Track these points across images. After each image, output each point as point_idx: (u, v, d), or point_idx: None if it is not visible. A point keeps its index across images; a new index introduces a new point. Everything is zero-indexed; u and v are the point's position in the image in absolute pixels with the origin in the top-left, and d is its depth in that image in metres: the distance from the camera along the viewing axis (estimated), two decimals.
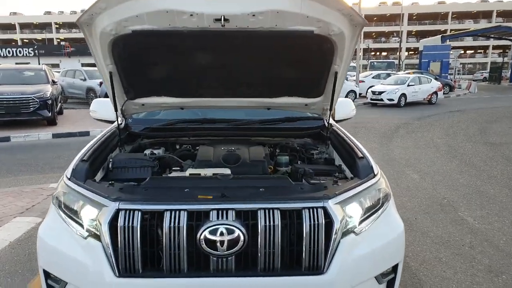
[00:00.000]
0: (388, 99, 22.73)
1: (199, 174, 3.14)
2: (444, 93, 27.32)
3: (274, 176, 3.07)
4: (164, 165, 3.67)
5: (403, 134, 13.32)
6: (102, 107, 4.50)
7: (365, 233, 2.61)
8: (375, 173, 2.96)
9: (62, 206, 2.72)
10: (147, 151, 3.89)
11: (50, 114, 14.18)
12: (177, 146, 4.13)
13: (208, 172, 3.15)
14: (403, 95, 22.97)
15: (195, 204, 2.47)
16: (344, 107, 4.71)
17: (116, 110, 3.71)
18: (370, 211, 2.72)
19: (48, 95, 14.00)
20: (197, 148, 4.03)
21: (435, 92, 25.55)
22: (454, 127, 14.83)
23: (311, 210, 2.46)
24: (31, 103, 13.50)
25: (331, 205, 2.53)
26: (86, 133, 12.81)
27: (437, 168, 8.32)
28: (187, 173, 3.17)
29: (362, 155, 3.17)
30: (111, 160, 3.44)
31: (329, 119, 3.98)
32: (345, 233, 2.53)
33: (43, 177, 7.56)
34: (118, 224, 2.39)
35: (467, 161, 9.18)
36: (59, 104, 16.28)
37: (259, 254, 2.39)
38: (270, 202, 2.49)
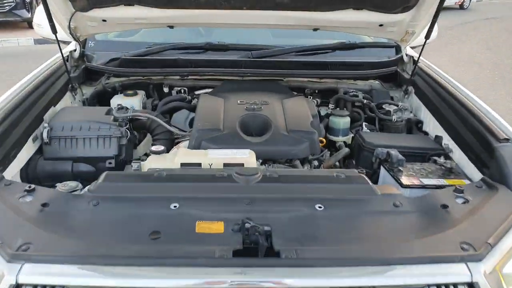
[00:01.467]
0: None
1: (199, 164, 1.69)
2: None
3: (338, 176, 1.61)
4: (141, 129, 2.22)
5: (436, 46, 11.30)
6: None
7: None
8: None
9: None
10: (115, 101, 2.38)
11: (29, 15, 11.96)
12: (164, 89, 2.60)
13: (213, 158, 1.71)
14: None
15: (187, 265, 1.14)
16: None
17: (53, 30, 2.12)
18: None
19: None
20: (195, 96, 2.50)
21: None
22: (495, 39, 12.78)
23: None
24: (5, 1, 11.32)
25: (484, 276, 1.17)
26: None
27: (485, 94, 6.69)
28: (176, 160, 1.71)
29: (506, 136, 1.68)
30: (46, 124, 1.96)
31: (421, 53, 2.36)
32: None
33: None
34: None
35: None
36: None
37: None
38: (353, 261, 1.18)
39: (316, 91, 2.59)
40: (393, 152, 1.86)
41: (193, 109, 2.46)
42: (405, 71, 2.60)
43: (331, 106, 2.34)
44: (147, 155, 2.26)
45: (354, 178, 1.61)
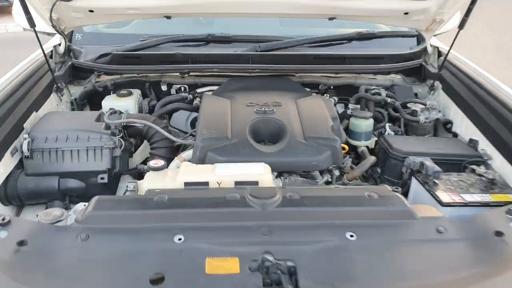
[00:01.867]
0: None
1: (206, 183, 1.45)
2: None
3: (371, 196, 1.37)
4: (137, 135, 1.97)
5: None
6: None
7: None
8: None
9: None
10: (107, 103, 2.12)
11: None
12: (162, 87, 2.33)
13: (222, 175, 1.47)
14: None
15: None
16: None
17: (31, 23, 1.84)
18: None
19: None
20: (197, 95, 2.24)
21: None
22: (498, 20, 12.43)
23: None
24: None
25: None
26: None
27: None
28: (178, 178, 1.46)
29: None
30: (26, 135, 1.70)
31: (452, 44, 2.09)
32: None
33: None
34: None
35: None
36: None
37: None
38: None
39: (332, 87, 2.33)
40: (428, 162, 1.61)
41: (195, 110, 2.20)
42: (430, 63, 2.33)
43: (351, 106, 2.08)
44: (144, 163, 2.01)
45: (389, 198, 1.37)
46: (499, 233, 1.24)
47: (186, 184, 1.45)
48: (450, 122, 2.09)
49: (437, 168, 1.59)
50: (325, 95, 2.23)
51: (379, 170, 1.87)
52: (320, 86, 2.31)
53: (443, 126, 2.13)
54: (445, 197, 1.50)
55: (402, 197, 1.37)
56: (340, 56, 2.27)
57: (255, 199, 1.29)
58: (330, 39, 2.40)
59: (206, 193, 1.39)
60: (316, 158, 1.64)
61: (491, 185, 1.61)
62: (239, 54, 2.23)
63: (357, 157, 2.02)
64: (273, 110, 1.86)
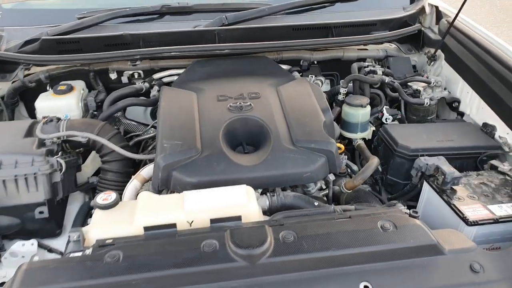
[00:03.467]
0: None
1: (173, 226, 1.11)
2: None
3: (385, 228, 1.07)
4: (83, 147, 1.59)
5: None
6: None
7: None
8: None
9: None
10: (42, 104, 1.69)
11: None
12: (111, 75, 1.89)
13: (194, 211, 1.13)
14: None
15: None
16: None
17: None
18: None
19: None
20: (155, 83, 1.84)
21: None
22: None
23: None
24: None
25: None
26: None
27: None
28: (136, 221, 1.11)
29: None
30: None
31: (462, 5, 1.73)
32: None
33: None
34: None
35: None
36: None
37: None
38: None
39: (315, 62, 1.96)
40: (445, 167, 1.32)
41: (153, 104, 1.80)
42: (429, 27, 1.98)
43: (343, 91, 1.73)
44: (97, 173, 1.64)
45: (408, 228, 1.08)
46: (474, 266, 1.00)
47: (146, 229, 1.10)
48: (457, 101, 1.79)
49: (456, 173, 1.30)
50: (310, 76, 1.86)
51: (380, 169, 1.58)
52: (301, 62, 1.94)
53: (448, 105, 1.83)
54: (469, 212, 1.23)
55: (424, 225, 1.09)
56: (325, 25, 1.87)
57: (240, 250, 0.97)
58: (310, 2, 1.99)
59: (175, 244, 1.06)
60: (309, 169, 1.31)
61: None
62: (202, 30, 1.80)
63: (352, 152, 1.72)
64: (250, 105, 1.49)
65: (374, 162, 1.44)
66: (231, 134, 1.42)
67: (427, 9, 2.00)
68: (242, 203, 1.16)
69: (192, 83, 1.66)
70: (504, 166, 1.42)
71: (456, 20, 1.86)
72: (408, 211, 1.17)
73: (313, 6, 2.01)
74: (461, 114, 1.80)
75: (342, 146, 1.52)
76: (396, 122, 1.75)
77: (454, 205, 1.26)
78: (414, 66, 1.98)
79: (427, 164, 1.38)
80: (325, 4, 2.03)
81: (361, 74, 1.79)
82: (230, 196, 1.17)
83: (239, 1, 1.98)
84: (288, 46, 1.79)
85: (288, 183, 1.34)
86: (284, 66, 1.93)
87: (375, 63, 1.91)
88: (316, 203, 1.32)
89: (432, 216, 1.39)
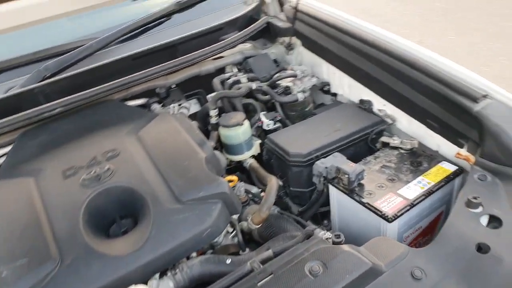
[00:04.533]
0: None
1: None
2: None
3: (314, 273, 0.91)
4: None
5: None
6: None
7: None
8: None
9: None
10: None
11: None
12: None
13: None
14: None
15: None
16: None
17: None
18: None
19: None
20: None
21: None
22: None
23: None
24: None
25: None
26: None
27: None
28: None
29: (483, 91, 1.19)
30: None
31: None
32: None
33: None
34: None
35: None
36: None
37: None
38: None
39: (173, 86, 1.71)
40: (345, 166, 1.21)
41: None
42: (276, 17, 1.88)
43: (213, 112, 1.51)
44: None
45: (338, 262, 0.92)
46: (482, 248, 0.94)
47: None
48: (327, 83, 1.72)
49: (358, 168, 1.20)
50: (172, 106, 1.61)
51: (281, 182, 1.42)
52: (156, 91, 1.67)
53: (321, 90, 1.76)
54: (385, 206, 1.14)
55: (352, 249, 0.95)
56: (168, 45, 1.63)
57: None
58: (144, 22, 1.72)
59: None
60: (207, 224, 1.07)
61: (415, 158, 1.31)
62: (18, 93, 1.40)
63: (248, 175, 1.53)
64: (109, 169, 1.18)
65: (273, 185, 1.26)
66: (96, 215, 1.11)
67: None
68: None
69: (24, 164, 1.27)
70: (394, 140, 1.37)
71: (300, 4, 1.78)
72: (329, 235, 1.02)
73: (148, 26, 1.75)
74: (335, 95, 1.75)
75: (235, 178, 1.32)
76: (278, 124, 1.61)
77: (368, 204, 1.16)
78: (275, 60, 1.87)
79: (326, 168, 1.25)
80: (162, 20, 1.78)
81: (226, 88, 1.60)
82: None
83: (58, 43, 1.61)
84: (133, 81, 1.50)
85: (189, 252, 1.09)
86: (139, 101, 1.64)
87: (236, 69, 1.74)
88: (228, 260, 1.10)
89: (349, 219, 1.28)
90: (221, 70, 1.78)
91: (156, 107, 1.63)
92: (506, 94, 1.18)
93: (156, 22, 1.77)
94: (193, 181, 1.14)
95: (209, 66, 1.74)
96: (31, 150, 1.33)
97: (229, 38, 1.69)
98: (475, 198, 1.01)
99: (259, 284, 0.91)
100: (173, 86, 1.72)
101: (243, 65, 1.80)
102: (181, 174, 1.16)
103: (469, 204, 1.02)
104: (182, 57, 1.58)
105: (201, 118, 1.64)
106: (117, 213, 1.14)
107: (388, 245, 0.99)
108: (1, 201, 1.14)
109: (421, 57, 1.34)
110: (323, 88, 1.73)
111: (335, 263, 0.91)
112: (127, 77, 1.48)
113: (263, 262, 1.01)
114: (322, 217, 1.46)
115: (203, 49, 1.62)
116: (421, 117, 1.35)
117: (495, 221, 0.99)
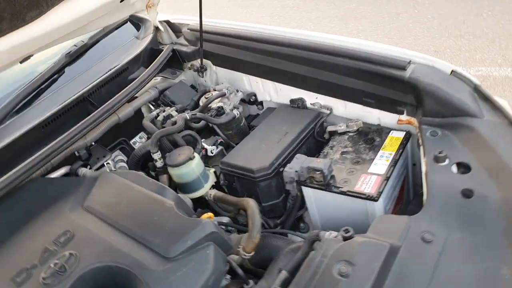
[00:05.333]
0: None
1: None
2: None
3: None
4: None
5: None
6: None
7: None
8: None
9: None
10: None
11: None
12: None
13: None
14: None
15: None
16: None
17: None
18: None
19: None
20: None
21: None
22: None
23: None
24: None
25: None
26: None
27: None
28: None
29: (406, 58, 1.31)
30: None
31: None
32: None
33: None
34: None
35: None
36: None
37: None
38: None
39: (93, 144, 1.52)
40: (315, 164, 1.21)
41: None
42: (178, 43, 1.81)
43: (156, 156, 1.38)
44: None
45: (361, 254, 0.91)
46: (466, 194, 1.02)
47: None
48: (253, 94, 1.72)
49: (327, 161, 1.22)
50: (106, 164, 1.43)
51: (252, 198, 1.36)
52: (77, 154, 1.47)
53: (248, 102, 1.75)
54: (366, 188, 1.17)
55: (366, 238, 0.95)
56: (79, 99, 1.45)
57: None
58: (38, 83, 1.50)
59: None
60: (208, 272, 0.96)
61: (366, 136, 1.38)
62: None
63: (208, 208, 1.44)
64: (71, 254, 1.00)
65: (253, 206, 1.20)
66: None
67: (161, 27, 1.82)
68: None
69: None
70: (340, 127, 1.43)
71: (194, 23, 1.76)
72: (335, 233, 1.01)
73: (42, 87, 1.53)
74: (261, 103, 1.76)
75: (211, 214, 1.22)
76: (220, 147, 1.56)
77: (349, 191, 1.18)
78: (192, 86, 1.80)
79: (296, 172, 1.24)
80: (54, 78, 1.58)
81: (158, 126, 1.48)
82: None
83: None
84: (55, 150, 1.29)
85: None
86: (62, 170, 1.42)
87: (167, 107, 1.63)
88: None
89: (331, 213, 1.29)
90: (138, 111, 1.65)
91: (83, 171, 1.43)
92: (423, 56, 1.31)
93: (50, 80, 1.56)
94: (174, 233, 1.02)
95: (127, 110, 1.59)
96: None
97: (142, 75, 1.57)
98: (440, 152, 1.10)
99: None
100: (93, 144, 1.54)
101: (161, 100, 1.70)
102: (157, 231, 1.04)
103: (437, 159, 1.10)
104: (99, 108, 1.42)
105: (133, 165, 1.49)
106: None
107: (389, 221, 1.01)
108: None
109: (338, 43, 1.42)
110: (250, 99, 1.73)
111: (358, 257, 0.90)
112: (45, 148, 1.27)
113: (284, 285, 0.95)
114: (298, 221, 1.45)
115: (117, 94, 1.47)
116: (355, 98, 1.43)
117: (463, 167, 1.09)
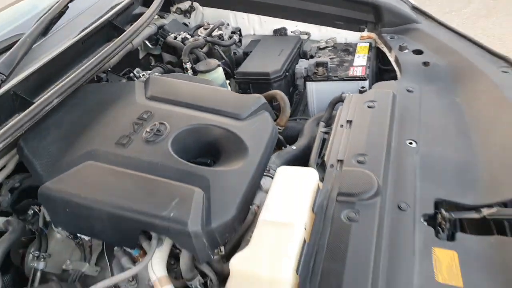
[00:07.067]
0: None
1: None
2: None
3: None
4: None
5: None
6: None
7: None
8: None
9: None
10: None
11: None
12: None
13: None
14: None
15: None
16: None
17: None
18: None
19: None
20: None
21: None
22: None
23: None
24: None
25: None
26: None
27: None
28: None
29: None
30: None
31: None
32: None
33: None
34: None
35: None
36: None
37: None
38: None
39: (109, 69, 1.68)
40: (321, 60, 1.62)
41: None
42: None
43: (189, 65, 1.62)
44: None
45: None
46: (425, 63, 1.55)
47: None
48: (239, 29, 2.04)
49: (326, 59, 1.64)
50: (142, 75, 1.62)
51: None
52: (99, 75, 1.62)
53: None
54: (356, 73, 1.62)
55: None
56: (104, 24, 1.61)
57: None
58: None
59: None
60: (271, 125, 1.27)
61: (342, 48, 1.83)
62: None
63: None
64: (162, 123, 1.22)
65: (280, 93, 1.52)
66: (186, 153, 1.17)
67: None
68: None
69: (64, 158, 1.15)
70: (321, 44, 1.86)
71: None
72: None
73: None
74: (240, 41, 2.08)
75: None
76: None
77: (346, 77, 1.61)
78: (184, 23, 2.05)
79: (305, 68, 1.64)
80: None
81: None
82: None
83: None
84: (106, 56, 1.45)
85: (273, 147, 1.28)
86: None
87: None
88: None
89: (327, 100, 1.70)
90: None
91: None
92: None
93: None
94: (239, 104, 1.32)
95: (137, 39, 1.77)
96: (53, 147, 1.19)
97: (148, 11, 1.77)
98: (403, 44, 1.61)
99: None
100: (109, 69, 1.70)
101: (160, 33, 1.91)
102: (225, 104, 1.32)
103: (401, 48, 1.61)
104: (126, 32, 1.60)
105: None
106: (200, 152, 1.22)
107: (384, 85, 1.47)
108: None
109: None
110: (235, 33, 2.05)
111: (377, 97, 1.34)
112: (101, 51, 1.43)
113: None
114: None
115: (137, 21, 1.67)
116: (329, 22, 1.88)
117: (417, 52, 1.60)
